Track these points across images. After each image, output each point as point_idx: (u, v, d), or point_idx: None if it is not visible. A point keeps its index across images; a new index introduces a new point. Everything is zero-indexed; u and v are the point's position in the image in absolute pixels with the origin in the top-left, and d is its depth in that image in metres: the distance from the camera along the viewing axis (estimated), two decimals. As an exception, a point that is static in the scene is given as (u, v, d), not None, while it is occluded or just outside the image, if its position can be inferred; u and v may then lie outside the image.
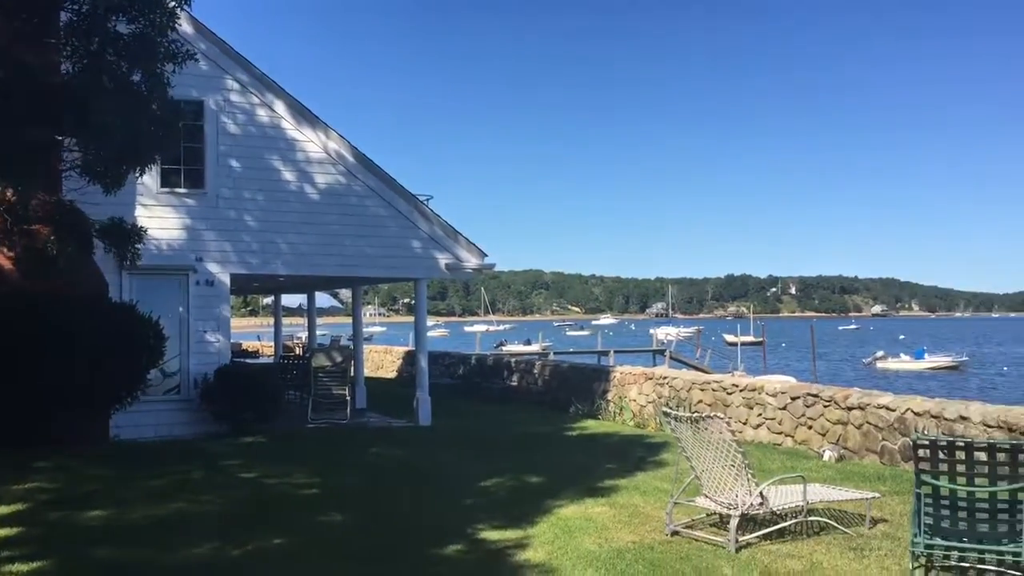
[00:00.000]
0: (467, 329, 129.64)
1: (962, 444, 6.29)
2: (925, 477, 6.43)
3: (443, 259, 16.87)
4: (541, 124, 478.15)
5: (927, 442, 6.38)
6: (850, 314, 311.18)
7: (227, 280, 15.36)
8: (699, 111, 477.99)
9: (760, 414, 14.27)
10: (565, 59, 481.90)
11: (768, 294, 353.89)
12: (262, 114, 15.71)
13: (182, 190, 15.09)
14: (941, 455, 6.36)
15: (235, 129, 15.49)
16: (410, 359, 26.93)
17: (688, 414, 8.08)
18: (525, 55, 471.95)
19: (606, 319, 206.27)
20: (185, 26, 13.82)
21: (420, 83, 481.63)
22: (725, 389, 15.20)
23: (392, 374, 30.14)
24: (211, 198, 15.22)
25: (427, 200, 16.95)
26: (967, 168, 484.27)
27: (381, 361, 32.00)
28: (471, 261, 17.14)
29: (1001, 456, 6.18)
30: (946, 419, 10.82)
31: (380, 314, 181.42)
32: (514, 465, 11.73)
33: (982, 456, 6.25)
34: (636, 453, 12.91)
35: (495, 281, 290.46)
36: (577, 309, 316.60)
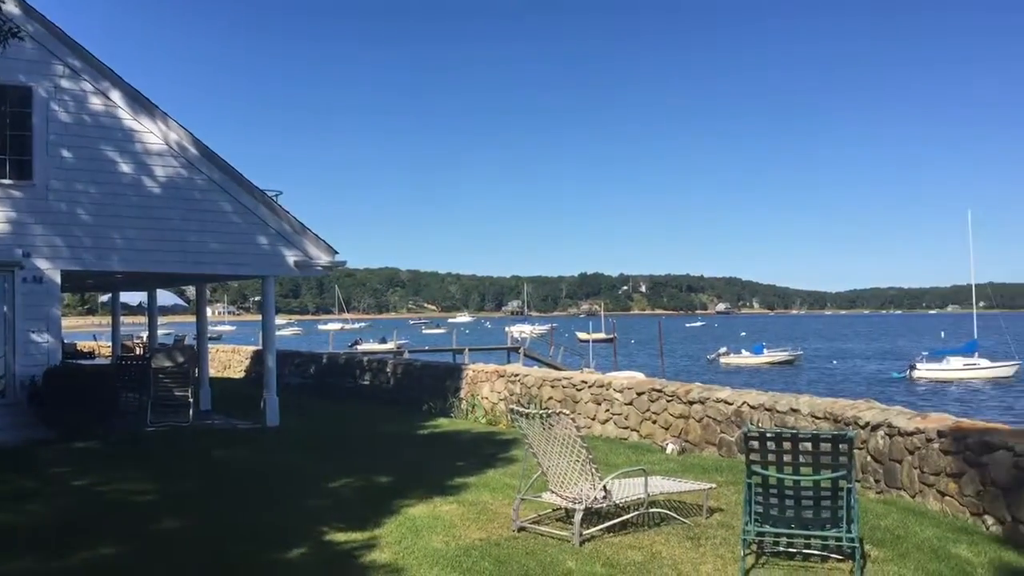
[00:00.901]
0: (321, 328, 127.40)
1: (788, 435, 6.61)
2: (755, 467, 6.73)
3: (292, 256, 16.46)
4: (393, 124, 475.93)
5: (756, 434, 6.68)
6: (697, 312, 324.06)
7: (57, 277, 14.49)
8: (550, 109, 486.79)
9: (608, 410, 14.62)
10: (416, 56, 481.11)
11: (620, 292, 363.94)
12: (96, 102, 14.91)
13: (7, 181, 14.14)
14: (769, 446, 6.67)
15: (67, 118, 14.63)
16: (258, 359, 26.20)
17: (535, 411, 8.17)
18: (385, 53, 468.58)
19: (462, 317, 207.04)
20: (10, 6, 12.95)
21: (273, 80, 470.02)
22: (575, 386, 15.49)
23: (240, 374, 29.23)
24: (40, 190, 14.33)
25: (276, 196, 16.51)
26: (806, 174, 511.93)
27: (228, 361, 30.97)
28: (321, 258, 16.80)
29: (824, 446, 6.53)
30: (778, 411, 11.37)
31: (230, 312, 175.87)
32: (363, 465, 11.57)
33: (807, 446, 6.59)
34: (487, 450, 12.97)
35: (350, 279, 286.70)
36: (433, 307, 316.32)
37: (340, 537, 7.90)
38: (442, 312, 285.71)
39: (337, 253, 17.06)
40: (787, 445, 6.60)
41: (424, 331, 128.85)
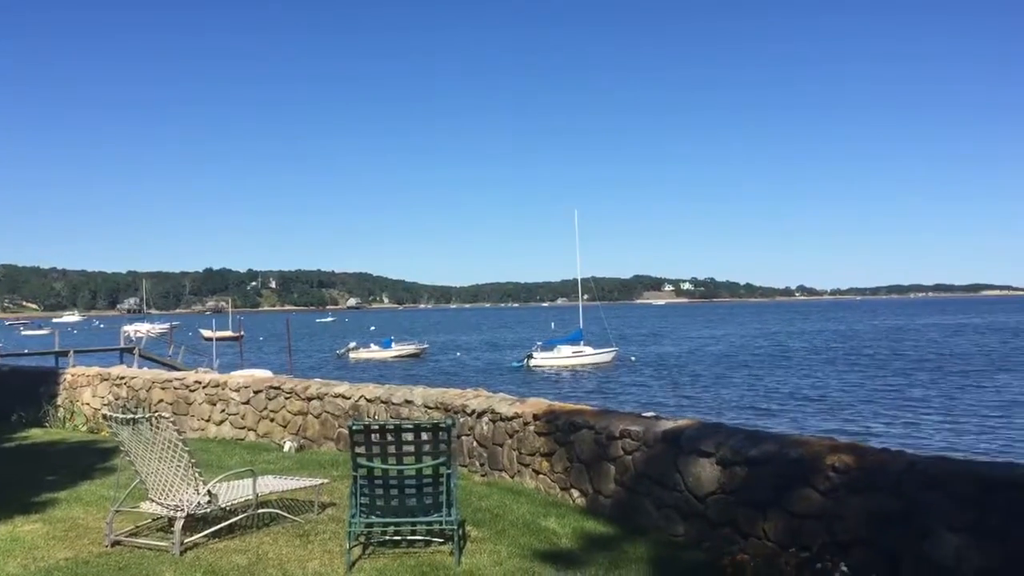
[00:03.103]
0: None
1: (392, 427, 6.75)
2: (360, 460, 6.79)
3: None
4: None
5: (361, 427, 6.74)
6: (328, 307, 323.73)
7: None
8: (156, 101, 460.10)
9: (224, 410, 14.04)
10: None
11: (249, 288, 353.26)
12: None
13: None
14: (374, 438, 6.76)
15: None
16: None
17: (129, 415, 7.57)
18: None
19: (70, 316, 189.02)
20: None
21: None
22: (188, 387, 14.69)
23: None
24: None
25: None
26: (425, 173, 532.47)
27: None
28: None
29: (426, 435, 6.75)
30: (394, 404, 11.63)
31: None
32: (-72, 488, 10.04)
33: (410, 436, 6.77)
34: (84, 461, 11.85)
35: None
36: (35, 306, 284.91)
37: None
38: (45, 311, 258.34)
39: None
40: (391, 436, 6.74)
41: (23, 333, 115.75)
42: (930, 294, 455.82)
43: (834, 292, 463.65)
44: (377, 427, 6.76)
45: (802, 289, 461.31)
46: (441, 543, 7.19)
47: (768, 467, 6.76)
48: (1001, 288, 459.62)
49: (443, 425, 6.67)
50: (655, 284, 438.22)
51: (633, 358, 57.72)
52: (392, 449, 6.78)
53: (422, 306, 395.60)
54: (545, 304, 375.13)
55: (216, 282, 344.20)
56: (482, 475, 10.14)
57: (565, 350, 54.79)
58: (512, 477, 9.72)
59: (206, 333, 73.95)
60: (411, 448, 6.79)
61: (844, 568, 5.72)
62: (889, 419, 27.05)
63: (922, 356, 54.26)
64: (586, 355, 54.72)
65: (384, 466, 6.79)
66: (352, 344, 70.07)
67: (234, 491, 8.11)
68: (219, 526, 7.73)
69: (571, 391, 37.52)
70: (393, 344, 68.79)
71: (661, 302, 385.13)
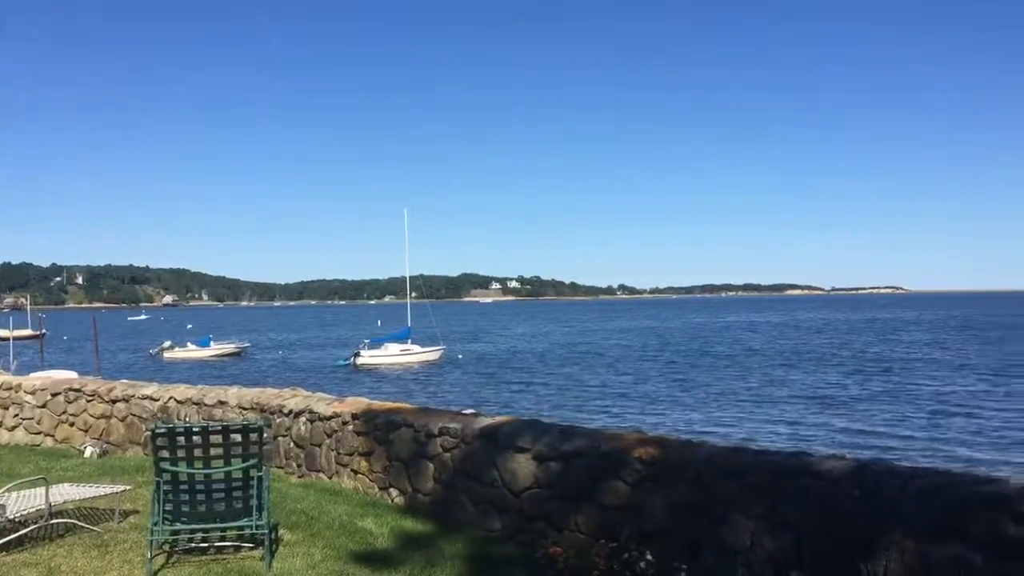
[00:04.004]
0: None
1: (198, 429, 6.47)
2: (164, 464, 6.47)
3: None
4: None
5: (164, 430, 6.43)
6: (142, 305, 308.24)
7: None
8: None
9: (17, 414, 13.08)
10: None
11: (52, 284, 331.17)
12: None
13: None
14: (180, 441, 6.46)
15: None
16: None
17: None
18: None
19: None
20: None
21: None
22: (-24, 389, 13.57)
23: None
24: None
25: None
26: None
27: None
28: None
29: (235, 437, 6.51)
30: (207, 405, 11.18)
31: None
32: None
33: (218, 439, 6.51)
34: None
35: None
36: None
37: None
38: None
39: None
40: (197, 439, 6.45)
41: None
42: (740, 293, 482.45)
43: (653, 291, 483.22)
44: (183, 429, 6.46)
45: (623, 288, 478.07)
46: (252, 548, 6.95)
47: (581, 461, 6.93)
48: (804, 288, 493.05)
49: (254, 426, 6.46)
50: (483, 282, 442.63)
51: (460, 356, 58.04)
52: (199, 452, 6.50)
53: (244, 303, 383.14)
54: (373, 302, 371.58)
55: (15, 277, 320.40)
56: (299, 476, 9.90)
57: (392, 348, 54.38)
58: (330, 478, 9.54)
59: (1, 332, 68.76)
60: (220, 451, 6.53)
61: (649, 557, 5.94)
62: (697, 411, 28.42)
63: (729, 352, 57.38)
64: (414, 353, 54.52)
65: (190, 470, 6.50)
66: (167, 343, 66.80)
67: (25, 501, 7.55)
68: (8, 539, 7.17)
69: (397, 390, 37.29)
70: (212, 343, 66.15)
71: (488, 300, 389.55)
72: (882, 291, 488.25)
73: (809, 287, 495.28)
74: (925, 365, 44.08)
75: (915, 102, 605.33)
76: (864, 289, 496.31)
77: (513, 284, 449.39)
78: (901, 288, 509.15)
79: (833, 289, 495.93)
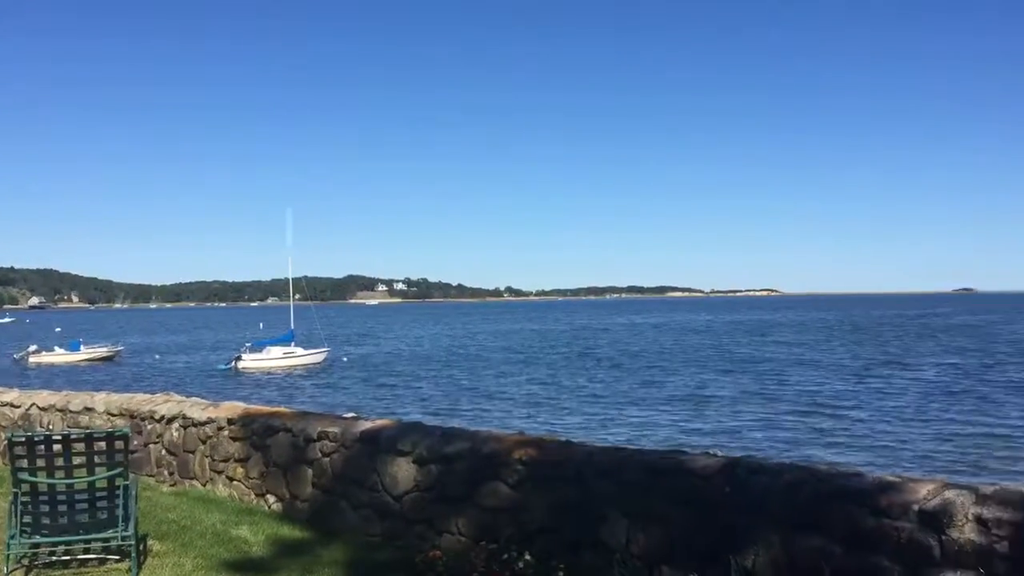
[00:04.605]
0: None
1: (59, 436, 6.18)
2: (23, 475, 6.14)
3: None
4: None
5: (23, 438, 6.10)
6: (5, 307, 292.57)
7: None
8: None
9: None
10: None
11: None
12: None
13: None
14: (39, 450, 6.14)
15: None
16: None
17: None
18: None
19: None
20: None
21: None
22: None
23: None
24: None
25: None
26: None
27: None
28: None
29: (100, 444, 6.24)
30: (72, 411, 10.69)
31: None
32: None
33: (81, 447, 6.22)
34: None
35: None
36: None
37: None
38: None
39: None
40: (58, 447, 6.15)
41: None
42: (624, 295, 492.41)
43: (539, 293, 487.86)
44: (42, 437, 6.14)
45: (510, 290, 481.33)
46: (118, 560, 6.67)
47: (462, 463, 6.92)
48: (684, 290, 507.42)
49: (118, 433, 6.19)
50: (369, 284, 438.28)
51: (345, 358, 57.28)
52: (61, 461, 6.20)
53: (117, 306, 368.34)
54: (254, 304, 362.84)
55: None
56: (171, 485, 9.57)
57: (275, 351, 53.20)
58: (204, 485, 9.25)
59: None
60: (83, 459, 6.23)
61: (528, 557, 5.97)
62: (577, 413, 28.83)
63: (609, 354, 58.43)
64: (297, 356, 53.49)
65: (51, 480, 6.19)
66: (33, 347, 63.40)
67: None
68: None
69: (278, 394, 36.51)
70: (82, 347, 63.26)
71: (374, 302, 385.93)
72: (758, 293, 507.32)
73: (689, 289, 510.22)
74: (794, 365, 45.88)
75: (788, 105, 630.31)
76: (741, 291, 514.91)
77: (400, 286, 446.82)
78: (776, 290, 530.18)
79: (712, 291, 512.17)
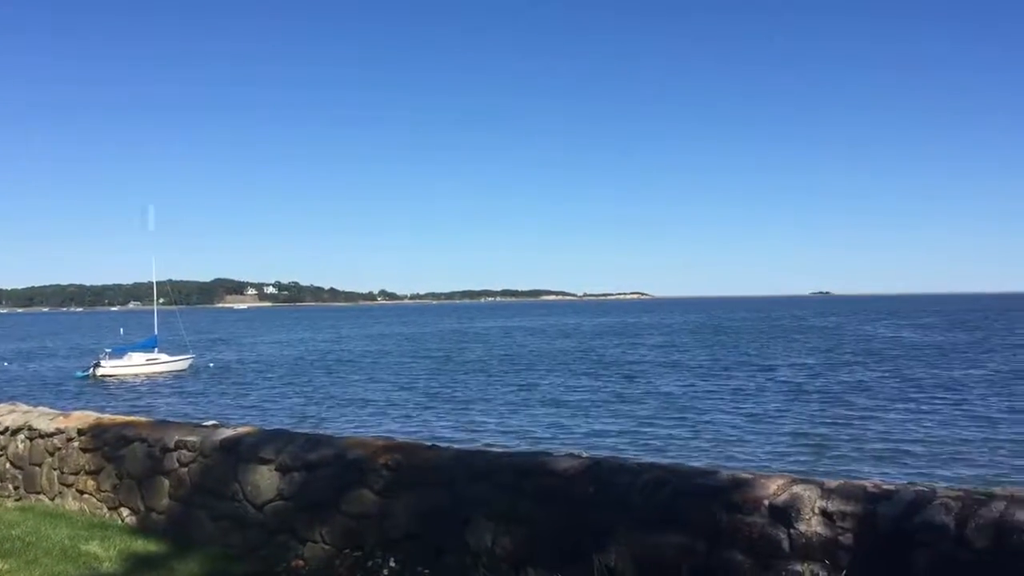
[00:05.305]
0: None
1: None
2: None
3: None
4: None
5: None
6: None
7: None
8: None
9: None
10: None
11: None
12: None
13: None
14: None
15: None
16: None
17: None
18: None
19: None
20: None
21: None
22: None
23: None
24: None
25: None
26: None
27: None
28: None
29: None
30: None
31: None
32: None
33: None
34: None
35: None
36: None
37: None
38: None
39: None
40: None
41: None
42: (499, 298, 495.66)
43: (414, 296, 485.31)
44: None
45: (384, 294, 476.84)
46: (-48, 583, 6.24)
47: (327, 470, 6.79)
48: (557, 293, 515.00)
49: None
50: (238, 287, 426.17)
51: (211, 365, 55.49)
52: None
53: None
54: (115, 309, 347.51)
55: None
56: (16, 500, 9.03)
57: (137, 358, 51.01)
58: (52, 499, 8.77)
59: None
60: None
61: (392, 564, 5.91)
62: (446, 417, 28.82)
63: (479, 357, 58.66)
64: (161, 363, 51.48)
65: None
66: None
67: None
68: None
69: (138, 402, 35.03)
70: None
71: (244, 306, 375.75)
72: (629, 296, 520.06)
73: (563, 293, 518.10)
74: (659, 367, 47.18)
75: (654, 111, 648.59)
76: (612, 295, 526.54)
77: (270, 290, 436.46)
78: (646, 294, 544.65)
79: (585, 295, 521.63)
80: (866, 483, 5.05)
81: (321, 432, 8.88)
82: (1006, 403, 27.92)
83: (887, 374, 39.41)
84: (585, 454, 6.39)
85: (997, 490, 4.81)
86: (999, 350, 53.72)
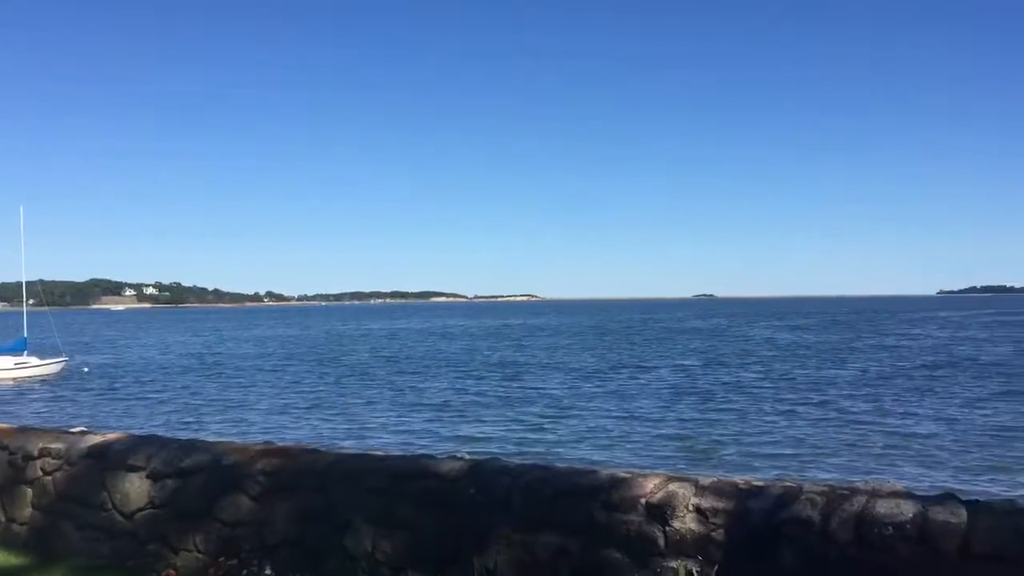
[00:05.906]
0: None
1: None
2: None
3: None
4: None
5: None
6: None
7: None
8: None
9: None
10: None
11: None
12: None
13: None
14: None
15: None
16: None
17: None
18: None
19: None
20: None
21: None
22: None
23: None
24: None
25: None
26: None
27: None
28: None
29: None
30: None
31: None
32: None
33: None
34: None
35: None
36: None
37: None
38: None
39: None
40: None
41: None
42: (388, 300, 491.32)
43: (302, 298, 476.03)
44: None
45: (271, 295, 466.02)
46: None
47: (201, 477, 6.59)
48: (449, 295, 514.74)
49: None
50: (115, 288, 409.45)
51: (86, 368, 53.17)
52: None
53: None
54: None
55: None
56: None
57: (5, 361, 48.45)
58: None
59: None
60: None
61: (269, 571, 5.77)
62: (327, 420, 28.39)
63: (363, 360, 58.08)
64: (30, 367, 49.00)
65: None
66: None
67: None
68: None
69: (4, 408, 33.26)
70: None
71: (121, 307, 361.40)
72: (519, 298, 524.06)
73: (454, 294, 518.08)
74: (544, 368, 47.67)
75: (542, 113, 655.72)
76: (503, 297, 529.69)
77: (150, 291, 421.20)
78: (535, 296, 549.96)
79: (476, 296, 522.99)
80: (738, 480, 5.22)
81: (199, 438, 8.59)
82: (873, 404, 29.32)
83: (760, 374, 40.93)
84: (467, 456, 6.39)
85: (859, 484, 5.04)
86: (865, 351, 56.55)
